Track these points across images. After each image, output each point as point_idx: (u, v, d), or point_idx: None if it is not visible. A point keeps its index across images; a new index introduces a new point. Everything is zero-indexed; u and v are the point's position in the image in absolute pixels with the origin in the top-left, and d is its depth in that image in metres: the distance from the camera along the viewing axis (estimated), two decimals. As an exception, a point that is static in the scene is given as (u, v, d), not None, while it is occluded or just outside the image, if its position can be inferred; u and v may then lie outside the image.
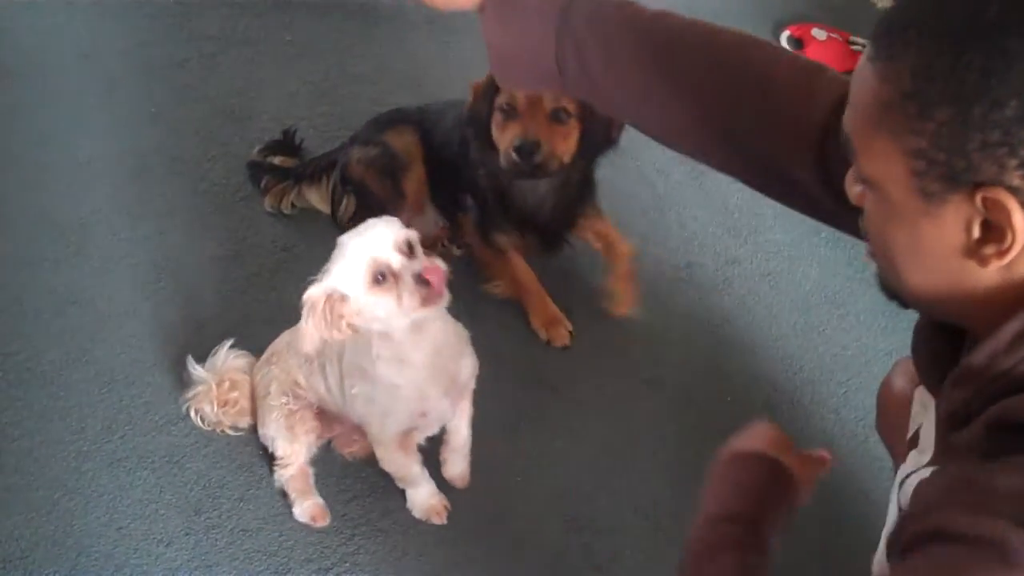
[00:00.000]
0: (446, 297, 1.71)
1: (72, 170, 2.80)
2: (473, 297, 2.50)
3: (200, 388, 2.16)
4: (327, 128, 2.90)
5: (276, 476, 2.08)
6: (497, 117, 2.34)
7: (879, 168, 1.04)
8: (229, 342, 2.19)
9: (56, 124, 2.94)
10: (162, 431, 2.20)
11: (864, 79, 1.04)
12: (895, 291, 1.16)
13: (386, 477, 2.10)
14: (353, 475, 2.13)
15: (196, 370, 2.17)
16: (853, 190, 1.14)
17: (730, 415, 2.35)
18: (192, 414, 2.18)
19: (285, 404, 2.05)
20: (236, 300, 2.46)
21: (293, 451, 2.06)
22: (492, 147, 2.38)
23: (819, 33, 3.49)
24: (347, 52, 3.21)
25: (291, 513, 2.08)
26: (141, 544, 2.01)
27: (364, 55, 3.20)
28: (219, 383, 2.13)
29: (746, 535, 1.29)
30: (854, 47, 3.47)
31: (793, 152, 1.40)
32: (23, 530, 2.01)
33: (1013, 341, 1.00)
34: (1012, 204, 0.94)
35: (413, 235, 1.72)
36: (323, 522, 2.06)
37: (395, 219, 1.74)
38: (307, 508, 2.06)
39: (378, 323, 1.73)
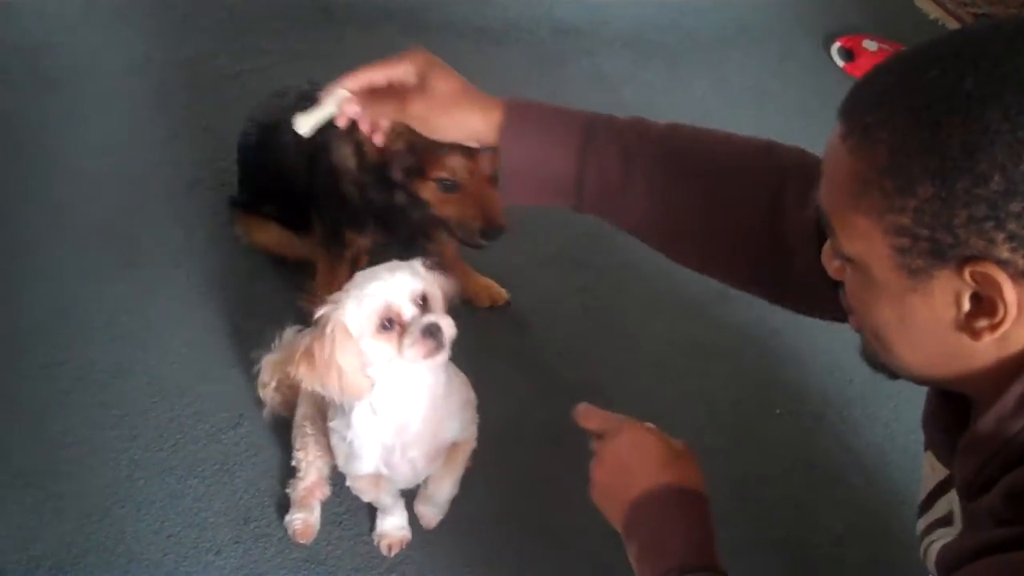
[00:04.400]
0: (447, 352, 1.67)
1: (124, 181, 2.83)
2: (522, 308, 2.51)
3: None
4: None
5: (289, 484, 2.09)
6: (433, 188, 2.10)
7: (859, 246, 1.01)
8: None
9: (110, 136, 2.98)
10: (213, 440, 2.22)
11: (837, 158, 1.01)
12: (883, 364, 1.13)
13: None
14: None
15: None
16: (832, 264, 1.12)
17: (779, 428, 2.34)
18: (268, 390, 2.17)
19: (305, 427, 2.06)
20: (289, 311, 2.46)
21: (307, 468, 2.07)
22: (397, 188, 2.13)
23: (870, 44, 3.48)
24: (397, 65, 3.22)
25: (340, 523, 2.09)
26: (191, 552, 2.03)
27: (413, 68, 3.21)
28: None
29: None
30: (906, 59, 3.44)
31: (797, 254, 1.37)
32: (75, 536, 2.03)
33: (1018, 404, 0.97)
34: (1002, 277, 0.91)
35: (433, 289, 1.68)
36: (303, 539, 2.04)
37: (418, 266, 1.70)
38: (294, 520, 2.05)
39: (371, 369, 1.68)
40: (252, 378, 2.25)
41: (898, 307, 1.01)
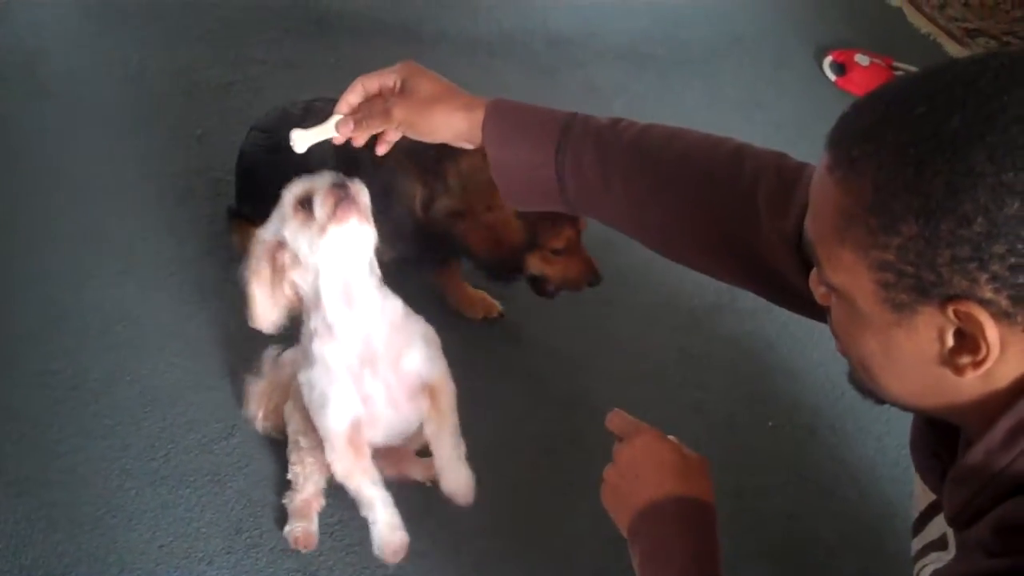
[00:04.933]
0: (367, 218, 1.68)
1: (118, 190, 2.83)
2: (515, 320, 2.51)
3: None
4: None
5: (286, 496, 2.08)
6: (547, 254, 2.29)
7: (844, 278, 1.01)
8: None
9: (103, 144, 2.98)
10: (204, 450, 2.21)
11: (824, 190, 1.01)
12: (870, 390, 1.13)
13: (426, 499, 2.10)
14: (392, 497, 2.13)
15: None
16: (818, 291, 1.12)
17: (772, 440, 2.34)
18: (258, 421, 2.19)
19: (299, 441, 2.05)
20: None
21: (304, 482, 2.06)
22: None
23: (862, 59, 3.49)
24: (391, 75, 3.23)
25: (331, 533, 2.08)
26: (183, 562, 2.02)
27: (408, 79, 3.22)
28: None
29: None
30: (897, 72, 3.46)
31: (781, 259, 1.38)
32: (67, 546, 2.02)
33: (1006, 438, 0.97)
34: (984, 317, 0.91)
35: (359, 187, 1.70)
36: (306, 547, 2.03)
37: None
38: (295, 528, 2.04)
39: (311, 273, 1.71)
40: (243, 391, 2.26)
41: (882, 340, 1.02)
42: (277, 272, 1.72)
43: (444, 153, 2.22)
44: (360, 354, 1.79)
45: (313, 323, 1.78)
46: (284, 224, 1.69)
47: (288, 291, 1.74)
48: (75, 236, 2.68)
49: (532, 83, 3.38)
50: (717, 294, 2.64)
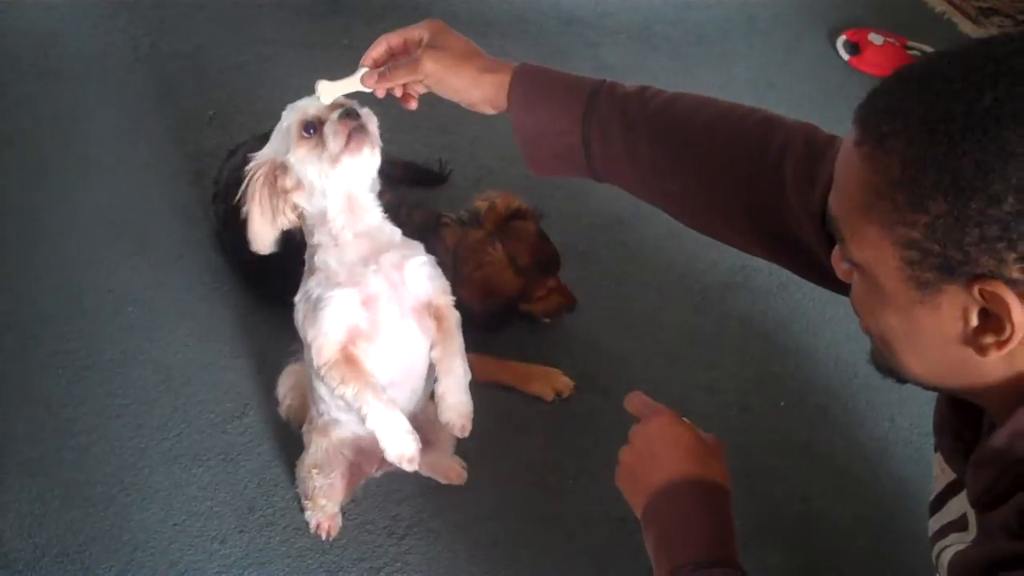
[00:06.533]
0: (376, 146, 1.67)
1: (131, 171, 2.84)
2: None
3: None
4: (383, 131, 2.90)
5: (297, 483, 2.05)
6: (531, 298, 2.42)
7: (868, 255, 1.00)
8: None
9: (115, 126, 2.98)
10: (217, 429, 2.22)
11: (850, 165, 1.00)
12: (891, 369, 1.12)
13: (435, 480, 2.12)
14: (404, 475, 2.12)
15: None
16: (840, 267, 1.11)
17: (784, 420, 2.34)
18: (284, 407, 2.17)
19: (313, 476, 1.99)
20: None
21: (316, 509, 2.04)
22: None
23: (876, 38, 3.47)
24: (402, 56, 3.23)
25: (344, 512, 2.08)
26: (196, 540, 2.03)
27: (419, 59, 3.21)
28: None
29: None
30: (911, 51, 3.44)
31: (807, 231, 1.37)
32: (81, 524, 2.03)
33: None
34: (1011, 298, 0.91)
35: (366, 109, 1.68)
36: (329, 535, 2.03)
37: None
38: (317, 513, 2.03)
39: (316, 196, 1.68)
40: (257, 369, 2.27)
41: (905, 317, 1.01)
42: (277, 194, 1.69)
43: None
44: (363, 254, 1.73)
45: (317, 238, 1.73)
46: (288, 149, 1.66)
47: (290, 214, 1.71)
48: (87, 218, 2.68)
49: (544, 63, 3.36)
50: (730, 273, 2.64)
